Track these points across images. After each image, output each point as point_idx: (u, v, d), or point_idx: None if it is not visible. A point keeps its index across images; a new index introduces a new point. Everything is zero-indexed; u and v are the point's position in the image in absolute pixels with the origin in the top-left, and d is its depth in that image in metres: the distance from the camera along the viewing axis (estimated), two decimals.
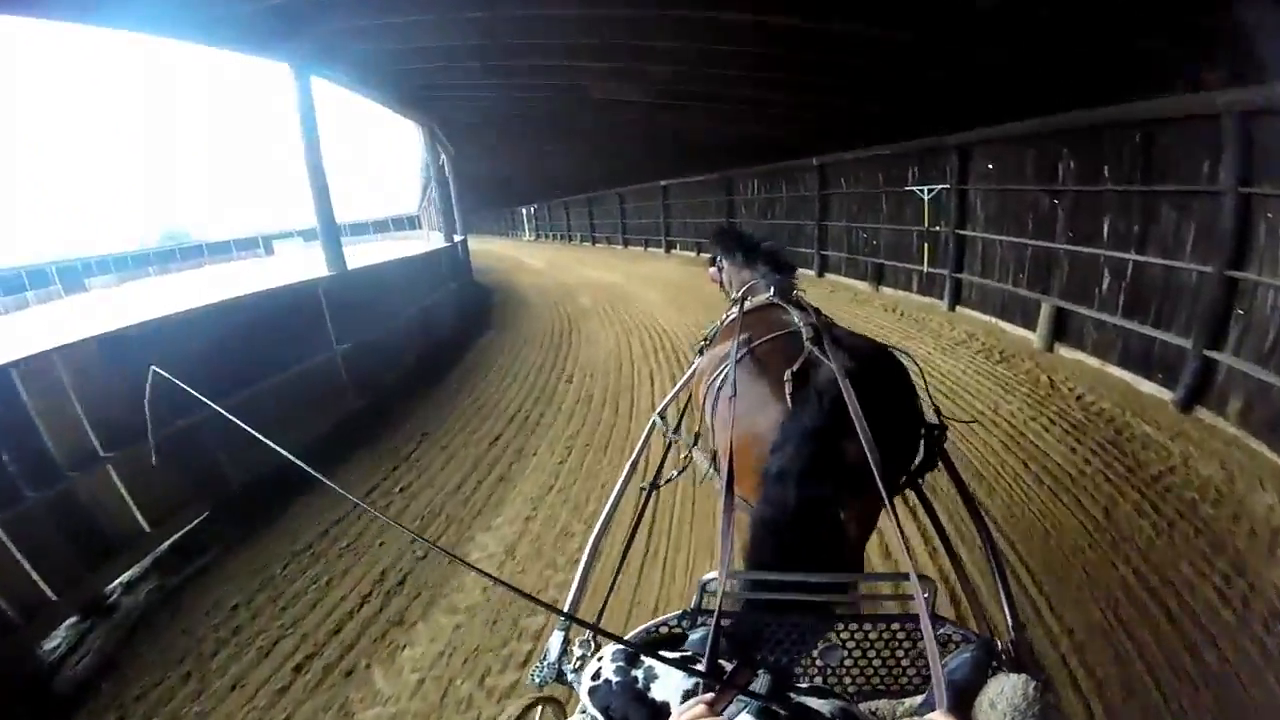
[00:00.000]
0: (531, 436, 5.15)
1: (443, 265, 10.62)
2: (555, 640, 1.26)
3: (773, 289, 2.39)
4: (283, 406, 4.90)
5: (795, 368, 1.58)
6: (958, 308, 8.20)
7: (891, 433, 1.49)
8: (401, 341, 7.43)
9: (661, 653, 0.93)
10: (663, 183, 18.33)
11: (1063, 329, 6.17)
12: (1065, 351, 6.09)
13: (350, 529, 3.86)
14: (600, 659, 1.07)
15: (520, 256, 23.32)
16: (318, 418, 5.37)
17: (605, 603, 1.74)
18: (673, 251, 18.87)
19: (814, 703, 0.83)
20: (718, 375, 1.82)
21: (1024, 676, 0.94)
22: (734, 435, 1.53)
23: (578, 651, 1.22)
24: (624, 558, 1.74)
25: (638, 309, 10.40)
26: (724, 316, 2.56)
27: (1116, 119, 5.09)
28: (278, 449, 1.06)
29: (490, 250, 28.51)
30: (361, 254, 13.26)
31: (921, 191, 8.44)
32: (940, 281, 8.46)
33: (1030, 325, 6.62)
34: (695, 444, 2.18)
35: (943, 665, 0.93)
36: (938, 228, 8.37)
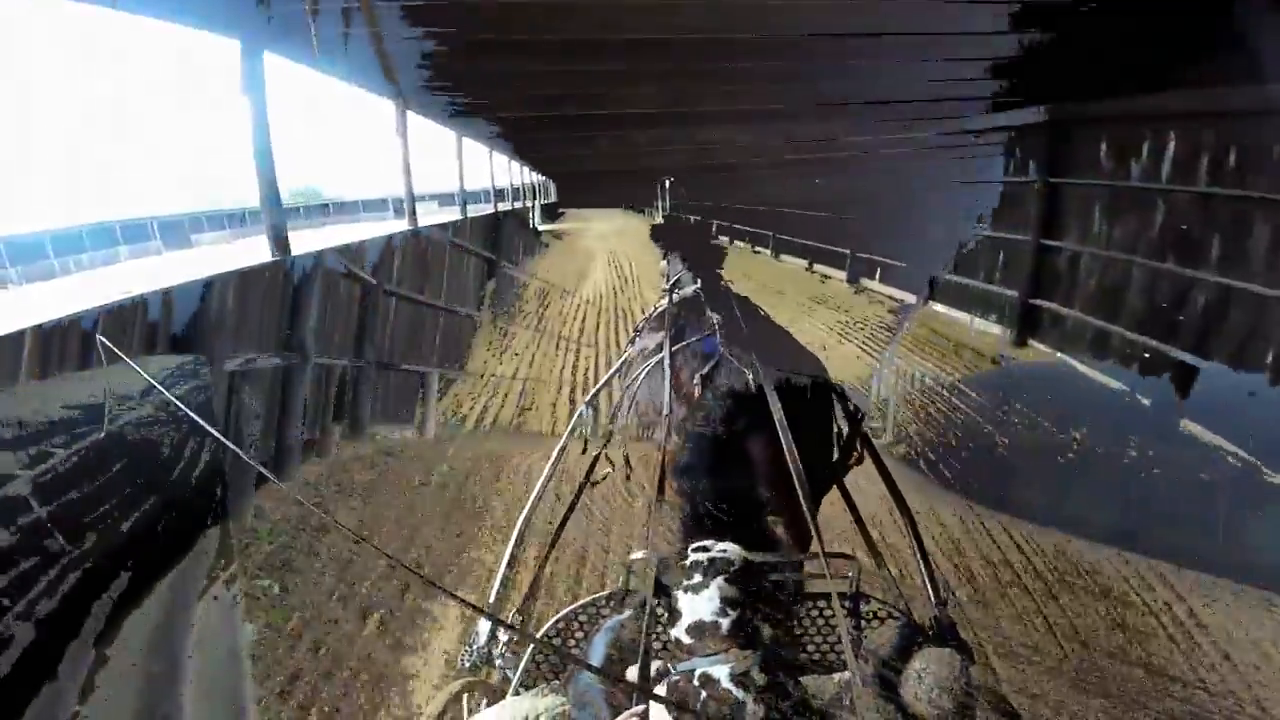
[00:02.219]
0: None
1: None
2: (484, 627, 1.34)
3: (698, 282, 2.56)
4: None
5: (704, 371, 1.72)
6: None
7: (801, 426, 1.49)
8: None
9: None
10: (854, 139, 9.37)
11: None
12: None
13: None
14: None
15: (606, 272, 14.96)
16: None
17: (533, 591, 1.67)
18: (864, 282, 9.33)
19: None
20: (635, 377, 2.00)
21: (950, 650, 1.00)
22: (638, 429, 1.84)
23: (504, 637, 1.30)
24: (551, 548, 1.75)
25: None
26: (654, 308, 2.67)
27: None
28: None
29: (585, 242, 19.64)
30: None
31: None
32: None
33: None
34: (606, 443, 2.21)
35: (871, 641, 1.05)
36: None
